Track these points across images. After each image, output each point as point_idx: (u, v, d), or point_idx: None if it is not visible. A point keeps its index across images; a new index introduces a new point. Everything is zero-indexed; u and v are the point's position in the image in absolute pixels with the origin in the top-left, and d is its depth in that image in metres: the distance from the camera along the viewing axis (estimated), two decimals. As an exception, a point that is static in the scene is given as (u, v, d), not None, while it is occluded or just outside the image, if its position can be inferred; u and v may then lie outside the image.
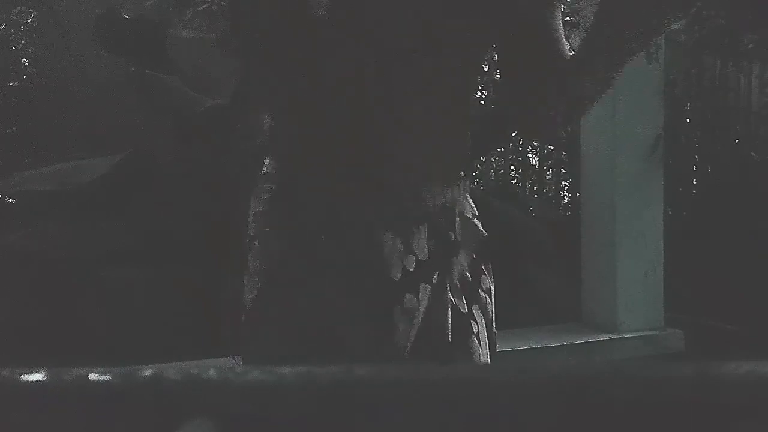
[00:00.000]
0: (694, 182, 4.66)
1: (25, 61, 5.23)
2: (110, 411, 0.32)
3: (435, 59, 0.99)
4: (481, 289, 1.08)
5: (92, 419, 0.32)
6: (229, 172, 3.42)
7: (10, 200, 3.87)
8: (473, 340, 1.04)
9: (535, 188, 4.74)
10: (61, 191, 3.35)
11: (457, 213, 1.05)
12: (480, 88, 4.61)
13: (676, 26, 4.03)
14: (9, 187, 3.66)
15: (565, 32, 1.14)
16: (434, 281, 1.00)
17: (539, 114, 1.09)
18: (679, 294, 3.25)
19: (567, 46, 1.10)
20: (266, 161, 1.08)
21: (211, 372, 0.32)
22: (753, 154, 4.34)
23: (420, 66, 0.98)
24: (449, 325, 1.01)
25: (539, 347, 2.86)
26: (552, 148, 4.64)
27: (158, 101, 3.79)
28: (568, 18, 4.23)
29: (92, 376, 0.32)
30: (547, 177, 4.81)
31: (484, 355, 1.05)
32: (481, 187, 4.56)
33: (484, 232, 1.10)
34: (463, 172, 1.08)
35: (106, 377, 0.32)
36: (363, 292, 0.96)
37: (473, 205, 1.10)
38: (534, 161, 4.78)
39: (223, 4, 3.67)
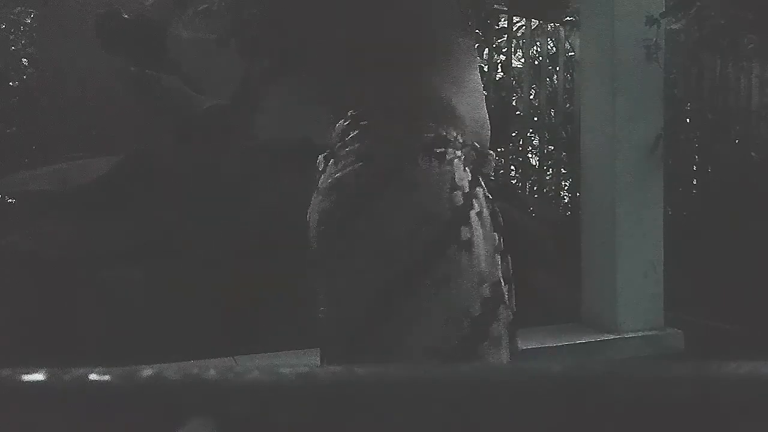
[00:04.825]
0: (694, 182, 4.66)
1: (25, 61, 5.23)
2: (110, 411, 0.32)
3: None
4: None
5: (92, 419, 0.32)
6: (229, 172, 3.42)
7: (10, 200, 3.87)
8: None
9: (535, 188, 4.74)
10: (61, 191, 3.35)
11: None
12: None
13: (676, 26, 3.98)
14: (9, 187, 3.66)
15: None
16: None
17: None
18: (679, 294, 3.25)
19: None
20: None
21: (211, 372, 0.32)
22: (753, 154, 4.34)
23: None
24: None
25: (539, 347, 2.86)
26: (552, 148, 4.64)
27: (158, 101, 3.79)
28: (568, 18, 4.24)
29: (92, 376, 0.32)
30: (547, 177, 4.81)
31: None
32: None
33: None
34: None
35: (106, 377, 0.32)
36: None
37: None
38: (534, 161, 4.78)
39: (223, 4, 3.67)
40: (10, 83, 5.04)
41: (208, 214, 3.19)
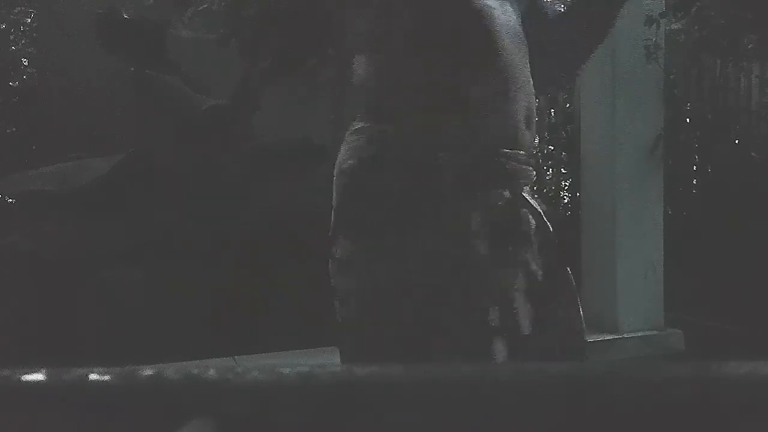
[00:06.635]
0: (694, 182, 4.66)
1: (25, 61, 5.23)
2: (110, 411, 0.32)
3: None
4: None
5: (92, 419, 0.32)
6: (229, 172, 3.42)
7: (10, 200, 3.87)
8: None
9: (535, 188, 4.73)
10: (61, 191, 3.35)
11: None
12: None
13: (676, 26, 3.97)
14: (9, 187, 3.66)
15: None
16: None
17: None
18: (679, 294, 3.25)
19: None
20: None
21: (211, 372, 0.32)
22: (753, 154, 4.33)
23: None
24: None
25: (539, 347, 2.86)
26: (552, 148, 4.63)
27: (158, 101, 3.79)
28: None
29: (92, 376, 0.32)
30: (547, 177, 4.80)
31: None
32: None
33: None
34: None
35: (106, 377, 0.32)
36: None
37: None
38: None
39: (223, 4, 3.67)
40: (10, 83, 5.04)
41: (208, 214, 3.19)
